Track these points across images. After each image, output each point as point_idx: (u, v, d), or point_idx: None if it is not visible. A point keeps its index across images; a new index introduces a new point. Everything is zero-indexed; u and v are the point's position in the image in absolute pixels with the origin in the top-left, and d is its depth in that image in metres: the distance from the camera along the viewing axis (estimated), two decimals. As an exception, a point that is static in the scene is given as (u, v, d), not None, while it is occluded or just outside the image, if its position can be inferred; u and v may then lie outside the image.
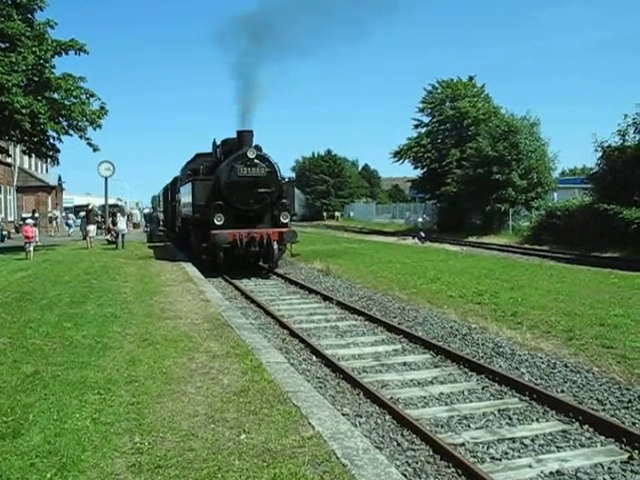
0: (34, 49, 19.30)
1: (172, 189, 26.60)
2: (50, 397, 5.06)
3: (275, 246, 15.69)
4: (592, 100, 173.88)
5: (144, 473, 3.67)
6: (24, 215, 33.44)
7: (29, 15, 20.47)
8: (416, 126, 45.65)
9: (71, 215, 30.98)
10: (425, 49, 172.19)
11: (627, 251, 21.20)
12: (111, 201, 36.62)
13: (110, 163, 27.55)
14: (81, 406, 4.84)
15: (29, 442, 4.12)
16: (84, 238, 28.52)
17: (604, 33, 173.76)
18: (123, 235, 23.29)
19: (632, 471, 4.42)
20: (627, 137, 24.65)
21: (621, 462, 4.55)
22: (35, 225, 21.42)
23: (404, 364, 7.30)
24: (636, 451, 4.66)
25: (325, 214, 72.91)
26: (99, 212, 33.00)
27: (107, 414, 4.66)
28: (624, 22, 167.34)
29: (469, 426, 5.30)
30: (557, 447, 4.84)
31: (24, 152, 25.67)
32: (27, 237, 18.76)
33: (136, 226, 42.99)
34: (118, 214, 26.39)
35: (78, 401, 4.96)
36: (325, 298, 12.11)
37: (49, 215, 36.74)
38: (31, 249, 18.57)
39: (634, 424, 5.31)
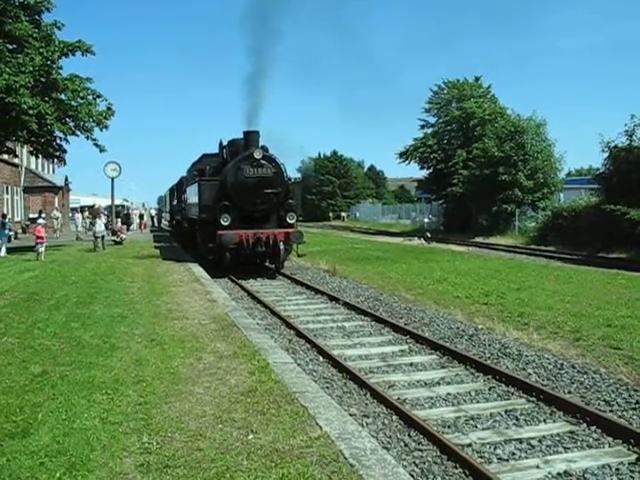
0: (41, 50, 19.36)
1: (178, 190, 26.68)
2: (58, 397, 5.09)
3: (281, 246, 15.69)
4: (599, 101, 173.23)
5: (152, 473, 3.69)
6: (31, 215, 33.57)
7: (36, 16, 20.56)
8: (422, 126, 45.64)
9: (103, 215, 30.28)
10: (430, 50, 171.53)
11: (634, 252, 21.07)
12: (117, 202, 36.65)
13: (116, 164, 27.57)
14: (89, 406, 4.87)
15: (38, 441, 4.15)
16: (77, 239, 28.56)
17: (611, 34, 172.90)
18: (103, 237, 22.90)
19: (640, 472, 4.41)
20: (634, 137, 24.50)
21: (629, 463, 4.54)
22: (44, 226, 21.40)
23: (411, 365, 7.31)
24: (644, 452, 4.65)
25: (331, 215, 72.95)
26: (105, 212, 33.07)
27: (115, 414, 4.69)
28: (630, 23, 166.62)
29: (476, 427, 5.30)
30: (564, 448, 4.83)
31: (31, 153, 25.78)
32: (39, 237, 18.58)
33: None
34: (101, 215, 25.90)
35: (86, 401, 4.99)
36: (331, 298, 12.11)
37: (50, 215, 36.81)
38: (42, 249, 18.48)
39: (642, 425, 5.29)
